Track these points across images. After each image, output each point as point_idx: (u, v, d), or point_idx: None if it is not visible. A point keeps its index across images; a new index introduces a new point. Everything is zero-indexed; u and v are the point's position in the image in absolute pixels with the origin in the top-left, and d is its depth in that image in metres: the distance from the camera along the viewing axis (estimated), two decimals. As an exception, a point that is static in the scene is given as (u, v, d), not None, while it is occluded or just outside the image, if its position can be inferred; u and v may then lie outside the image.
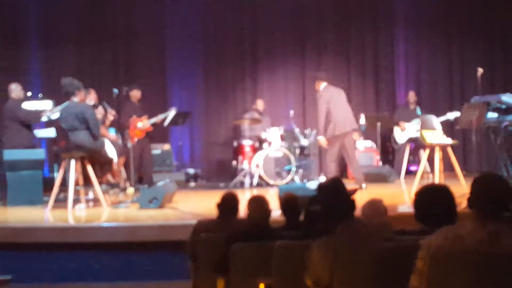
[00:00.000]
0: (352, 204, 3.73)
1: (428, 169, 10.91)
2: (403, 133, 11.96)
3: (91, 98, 10.06)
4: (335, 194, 3.74)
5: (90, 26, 12.67)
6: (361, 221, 3.75)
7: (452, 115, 11.22)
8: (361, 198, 3.93)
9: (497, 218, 2.99)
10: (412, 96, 12.41)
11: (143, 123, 10.92)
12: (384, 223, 3.74)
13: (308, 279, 3.63)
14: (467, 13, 13.36)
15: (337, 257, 3.41)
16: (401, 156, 11.89)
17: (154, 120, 11.13)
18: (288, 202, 5.03)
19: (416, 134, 11.30)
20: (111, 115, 10.40)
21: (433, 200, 3.57)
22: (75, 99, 8.42)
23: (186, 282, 5.62)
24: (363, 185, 9.86)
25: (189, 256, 5.32)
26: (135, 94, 11.27)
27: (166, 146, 12.31)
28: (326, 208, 3.73)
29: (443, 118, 11.07)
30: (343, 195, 3.75)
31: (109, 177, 10.39)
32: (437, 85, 13.54)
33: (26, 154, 9.14)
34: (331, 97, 9.93)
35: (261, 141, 11.59)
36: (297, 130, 11.77)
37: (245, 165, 11.36)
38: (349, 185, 3.99)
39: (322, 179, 10.53)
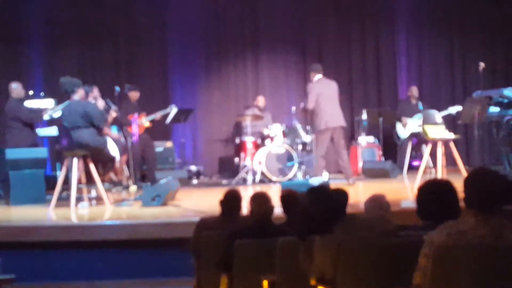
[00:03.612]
0: (341, 206, 3.74)
1: (431, 164, 10.90)
2: (405, 128, 11.95)
3: (95, 95, 10.05)
4: (322, 202, 3.75)
5: (91, 24, 12.65)
6: (358, 216, 3.74)
7: (454, 109, 11.22)
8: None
9: (497, 212, 2.98)
10: (414, 90, 12.34)
11: (141, 120, 10.93)
12: (382, 217, 3.74)
13: (313, 278, 3.62)
14: (469, 7, 13.34)
15: (339, 252, 3.40)
16: (403, 151, 11.88)
17: (153, 117, 11.13)
18: (288, 198, 5.02)
19: (418, 129, 11.29)
20: (114, 112, 10.40)
21: (436, 195, 3.56)
22: (76, 97, 8.44)
23: (190, 279, 5.63)
24: (351, 180, 9.94)
25: (192, 253, 5.33)
26: (134, 95, 11.28)
27: (168, 144, 12.30)
28: (317, 214, 3.73)
29: (445, 112, 11.06)
30: (331, 202, 3.75)
31: (112, 175, 10.40)
32: (439, 80, 13.53)
33: (29, 153, 9.15)
34: (322, 91, 10.01)
35: (263, 138, 11.59)
36: (299, 126, 11.76)
37: (247, 162, 11.35)
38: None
39: (325, 175, 10.53)
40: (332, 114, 9.97)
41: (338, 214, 3.67)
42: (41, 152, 9.41)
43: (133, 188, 10.05)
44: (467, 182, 3.05)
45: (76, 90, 8.43)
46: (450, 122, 11.34)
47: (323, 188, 3.94)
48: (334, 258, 3.43)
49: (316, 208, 3.73)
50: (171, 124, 12.12)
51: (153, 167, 11.16)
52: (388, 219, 3.72)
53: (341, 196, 3.85)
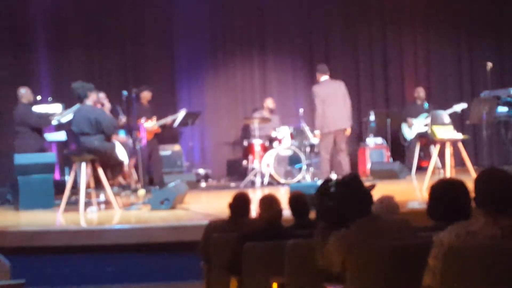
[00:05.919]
0: (369, 199, 3.68)
1: (439, 164, 10.87)
2: (411, 129, 11.90)
3: (101, 101, 10.08)
4: (354, 190, 3.68)
5: (98, 28, 12.66)
6: (379, 218, 3.70)
7: (458, 107, 11.18)
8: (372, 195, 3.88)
9: (508, 213, 2.96)
10: (419, 91, 12.28)
11: (151, 125, 10.93)
12: (402, 221, 3.70)
13: (320, 262, 3.61)
14: (476, 7, 13.31)
15: (349, 253, 3.38)
16: (411, 152, 11.83)
17: (163, 121, 11.14)
18: (296, 200, 5.01)
19: (424, 129, 11.27)
20: (122, 119, 10.44)
21: (450, 195, 3.53)
22: (88, 102, 8.44)
23: (199, 282, 5.63)
24: None
25: (201, 256, 5.33)
26: (146, 95, 11.26)
27: (177, 147, 12.30)
28: (343, 204, 3.66)
29: (450, 110, 11.02)
30: (362, 191, 3.69)
31: (120, 179, 10.41)
32: (446, 80, 13.50)
33: (37, 158, 9.17)
34: (325, 95, 10.04)
35: (271, 140, 11.58)
36: (307, 128, 11.74)
37: (255, 164, 11.33)
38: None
39: (333, 176, 10.51)
40: (334, 117, 10.00)
41: (364, 209, 3.60)
42: (50, 157, 9.43)
43: (141, 192, 10.04)
44: (478, 182, 3.03)
45: (88, 94, 8.43)
46: (458, 123, 11.31)
47: (356, 177, 3.86)
48: (342, 258, 3.41)
49: (345, 197, 3.66)
50: (179, 128, 12.13)
51: (160, 170, 11.17)
52: (408, 221, 3.69)
53: (368, 192, 3.79)
